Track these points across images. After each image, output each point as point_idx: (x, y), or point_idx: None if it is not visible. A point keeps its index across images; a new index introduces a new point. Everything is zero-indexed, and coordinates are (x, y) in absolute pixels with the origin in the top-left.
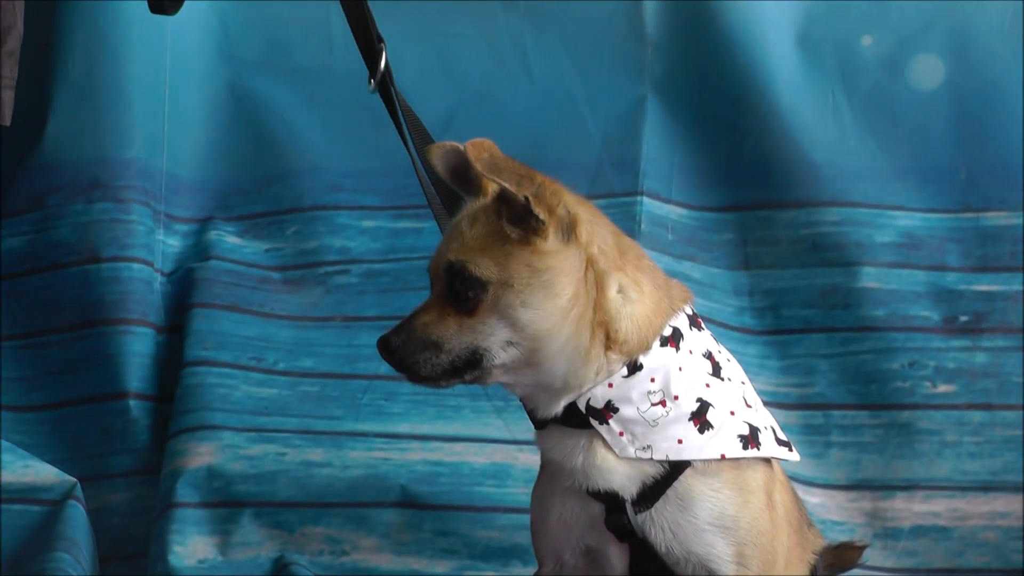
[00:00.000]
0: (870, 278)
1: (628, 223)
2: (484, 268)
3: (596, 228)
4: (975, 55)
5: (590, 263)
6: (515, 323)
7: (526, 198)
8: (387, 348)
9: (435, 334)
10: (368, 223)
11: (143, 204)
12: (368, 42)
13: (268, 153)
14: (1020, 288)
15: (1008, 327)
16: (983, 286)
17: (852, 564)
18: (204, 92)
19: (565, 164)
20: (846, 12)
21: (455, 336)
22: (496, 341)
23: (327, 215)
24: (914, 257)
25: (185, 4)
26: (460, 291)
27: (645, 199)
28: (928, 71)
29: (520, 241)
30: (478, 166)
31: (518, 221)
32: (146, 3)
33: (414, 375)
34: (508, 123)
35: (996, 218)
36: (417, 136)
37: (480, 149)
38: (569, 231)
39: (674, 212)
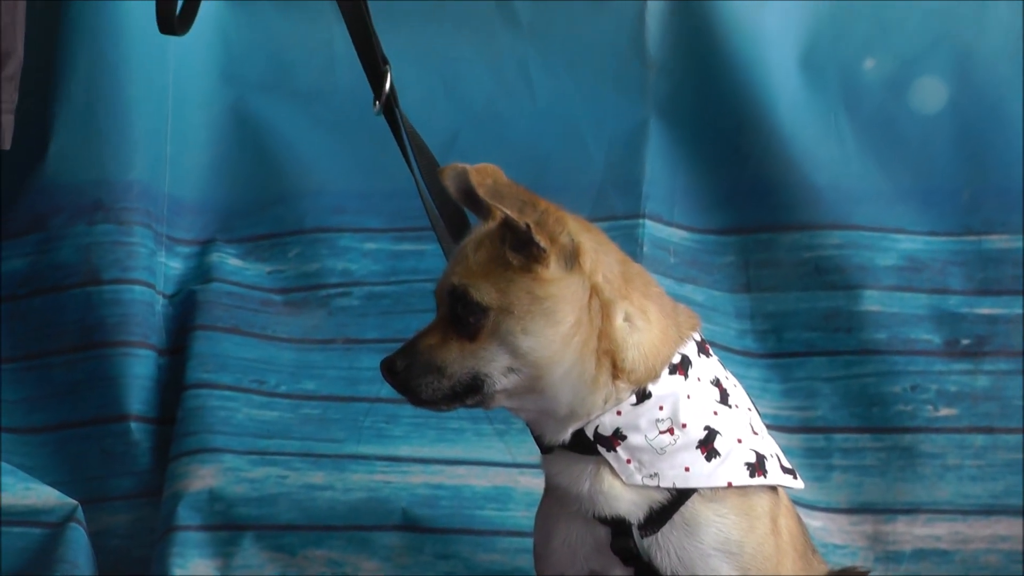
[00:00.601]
0: (872, 301)
1: (630, 246)
2: (485, 293)
3: (601, 256)
4: (978, 78)
5: (595, 292)
6: (515, 350)
7: (527, 225)
8: (391, 370)
9: (439, 358)
10: (370, 245)
11: (145, 226)
12: (373, 64)
13: (270, 175)
14: (1022, 311)
15: (1010, 350)
16: (985, 309)
17: None
18: (206, 113)
19: (567, 186)
20: (849, 35)
21: (457, 360)
22: (497, 367)
23: (329, 237)
24: (916, 280)
25: None
26: (462, 315)
27: (647, 221)
28: (931, 94)
29: (522, 268)
30: (481, 191)
31: (520, 247)
32: (154, 23)
33: (416, 398)
34: (511, 145)
35: (998, 241)
36: (422, 159)
37: (483, 174)
38: (572, 259)
39: (676, 234)
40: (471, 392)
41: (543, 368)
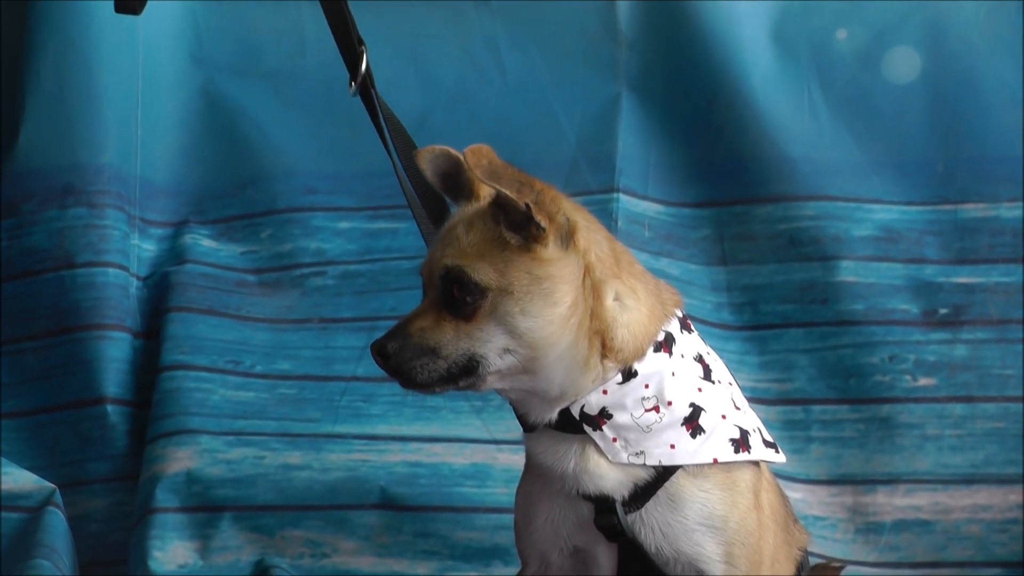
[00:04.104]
0: (848, 272)
1: (605, 220)
2: (483, 274)
3: (593, 235)
4: (951, 47)
5: (588, 271)
6: (513, 330)
7: (527, 205)
8: (382, 353)
9: (432, 340)
10: (343, 224)
11: (117, 209)
12: (349, 45)
13: (242, 156)
14: (999, 280)
15: (987, 319)
16: (962, 278)
17: None
18: (177, 97)
19: (540, 163)
20: (821, 6)
21: (452, 342)
22: (493, 348)
23: (302, 217)
24: (892, 250)
25: (156, 8)
26: (457, 296)
27: (621, 196)
28: (904, 64)
29: (520, 248)
30: (478, 172)
31: (517, 228)
32: (112, 5)
33: (409, 381)
34: (482, 123)
35: (974, 210)
36: (398, 140)
37: (479, 155)
38: (568, 238)
39: (651, 208)
40: (466, 374)
41: (540, 349)
